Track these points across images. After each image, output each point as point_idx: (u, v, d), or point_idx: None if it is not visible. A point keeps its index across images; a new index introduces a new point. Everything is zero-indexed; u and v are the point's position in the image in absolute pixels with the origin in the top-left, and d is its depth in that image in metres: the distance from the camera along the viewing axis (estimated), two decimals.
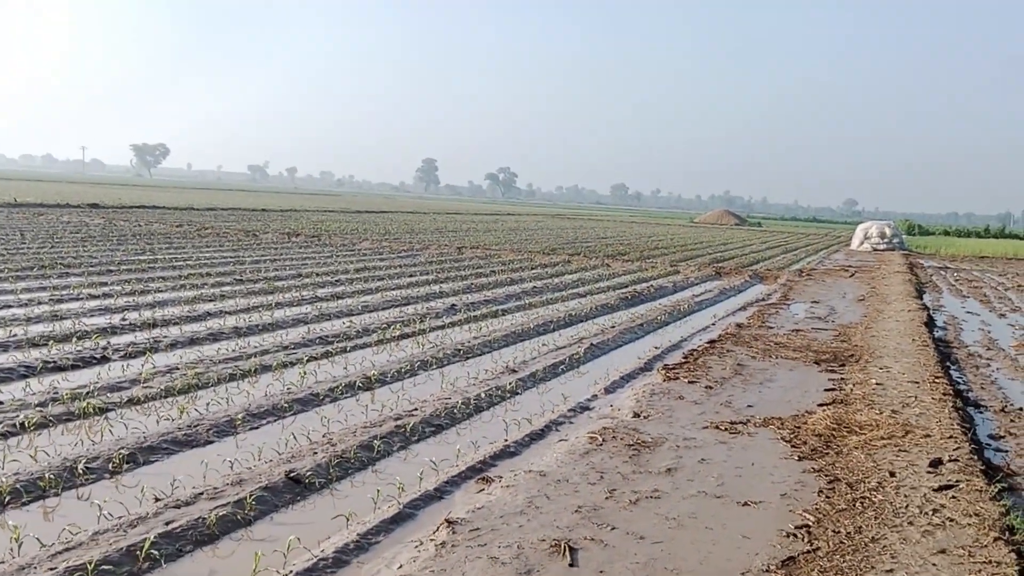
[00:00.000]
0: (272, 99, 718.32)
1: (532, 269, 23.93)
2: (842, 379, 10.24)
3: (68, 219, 32.84)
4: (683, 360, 10.88)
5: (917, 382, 9.94)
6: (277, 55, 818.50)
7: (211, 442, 6.84)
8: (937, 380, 10.01)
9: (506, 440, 7.10)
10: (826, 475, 6.44)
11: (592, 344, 11.94)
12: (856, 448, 7.00)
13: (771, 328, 14.55)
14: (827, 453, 6.90)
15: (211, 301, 14.13)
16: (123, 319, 11.79)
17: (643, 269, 26.27)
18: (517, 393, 9.06)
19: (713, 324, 15.19)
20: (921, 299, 21.13)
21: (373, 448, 6.71)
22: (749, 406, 8.65)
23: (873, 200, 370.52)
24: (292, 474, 5.91)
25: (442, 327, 13.12)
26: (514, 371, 9.94)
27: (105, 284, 15.24)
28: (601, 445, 6.82)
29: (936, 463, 6.55)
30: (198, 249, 23.68)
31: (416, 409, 7.78)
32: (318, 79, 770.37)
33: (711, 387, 9.39)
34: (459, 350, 10.98)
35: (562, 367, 10.48)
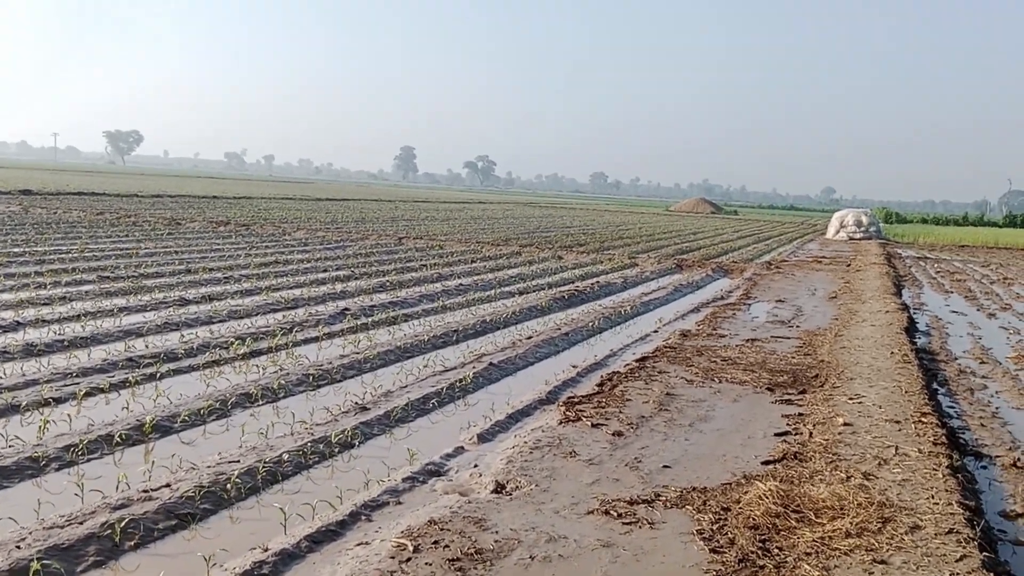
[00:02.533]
0: (250, 87, 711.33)
1: (473, 262, 21.48)
2: (800, 416, 7.81)
3: None
4: (597, 388, 8.42)
5: (898, 421, 7.52)
6: (255, 42, 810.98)
7: None
8: (924, 418, 7.59)
9: (265, 552, 4.58)
10: None
11: (491, 364, 9.47)
12: (807, 556, 4.56)
13: (722, 337, 12.11)
14: (761, 568, 4.44)
15: (45, 304, 11.57)
16: None
17: (598, 262, 23.85)
18: (352, 446, 6.57)
19: (656, 331, 12.75)
20: (900, 296, 18.79)
21: None
22: (665, 467, 6.20)
23: (851, 188, 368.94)
24: None
25: (315, 339, 10.63)
26: (365, 408, 7.45)
27: None
28: (408, 560, 4.33)
29: None
30: (95, 240, 21.06)
31: (162, 489, 5.25)
32: (297, 66, 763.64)
33: (621, 434, 6.93)
34: (311, 375, 8.48)
35: (436, 400, 8.00)
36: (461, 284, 16.53)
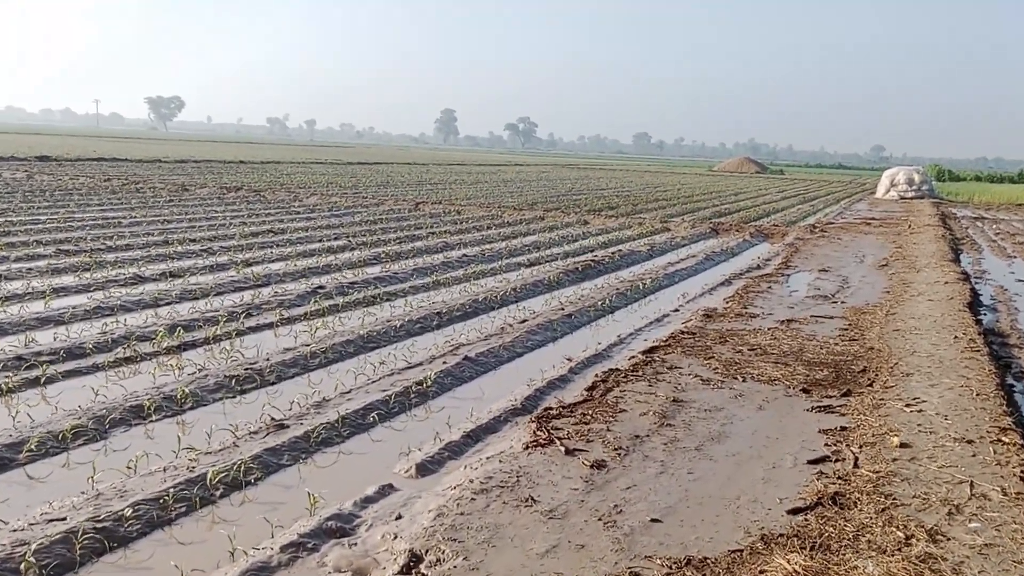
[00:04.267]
0: (292, 51, 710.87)
1: (489, 229, 19.82)
2: (843, 431, 6.07)
3: None
4: (585, 394, 6.73)
5: (971, 440, 5.76)
6: (296, 6, 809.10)
7: None
8: (1005, 435, 5.84)
9: None
10: None
11: (467, 358, 7.82)
12: None
13: (753, 317, 10.35)
14: None
15: None
16: None
17: (626, 227, 22.06)
18: (239, 487, 4.97)
19: (676, 310, 11.02)
20: (958, 262, 16.81)
21: None
22: (654, 520, 4.52)
23: (901, 146, 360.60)
24: None
25: (269, 326, 9.05)
26: (283, 426, 5.85)
27: None
28: None
29: None
30: (84, 208, 19.69)
31: None
32: (337, 30, 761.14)
33: (603, 465, 5.25)
34: (237, 377, 6.89)
35: (382, 411, 6.37)
36: (466, 255, 14.87)
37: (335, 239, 16.52)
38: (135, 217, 18.33)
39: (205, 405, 6.41)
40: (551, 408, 6.28)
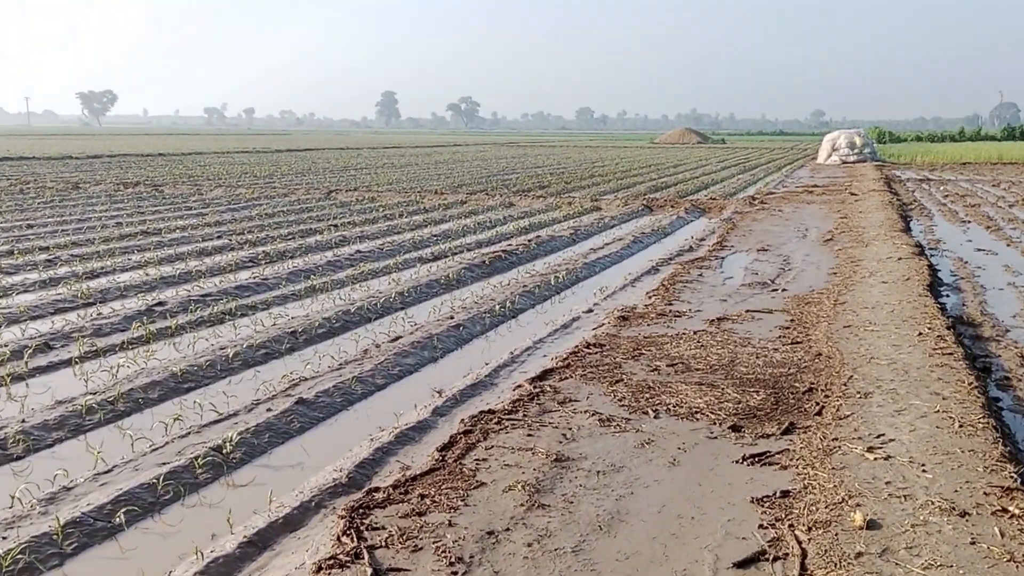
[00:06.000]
0: (229, 38, 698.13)
1: (401, 217, 17.99)
2: (785, 501, 4.33)
3: None
4: (436, 458, 4.90)
5: (964, 512, 4.05)
6: None
7: None
8: (1012, 499, 4.10)
9: None
10: None
11: (299, 402, 5.98)
12: None
13: (679, 316, 8.61)
14: None
15: None
16: None
17: (554, 207, 20.32)
18: None
19: (590, 310, 9.27)
20: (910, 232, 15.28)
21: None
22: None
23: (841, 110, 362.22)
24: None
25: (72, 361, 7.10)
26: None
27: None
28: None
29: None
30: None
31: None
32: (274, 15, 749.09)
33: None
34: None
35: (146, 501, 4.56)
36: (359, 251, 12.98)
37: (217, 238, 14.56)
38: None
39: None
40: (377, 489, 4.44)
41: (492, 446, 5.03)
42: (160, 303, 9.15)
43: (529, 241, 13.92)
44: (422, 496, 4.34)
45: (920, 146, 63.60)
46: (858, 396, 5.88)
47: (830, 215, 18.49)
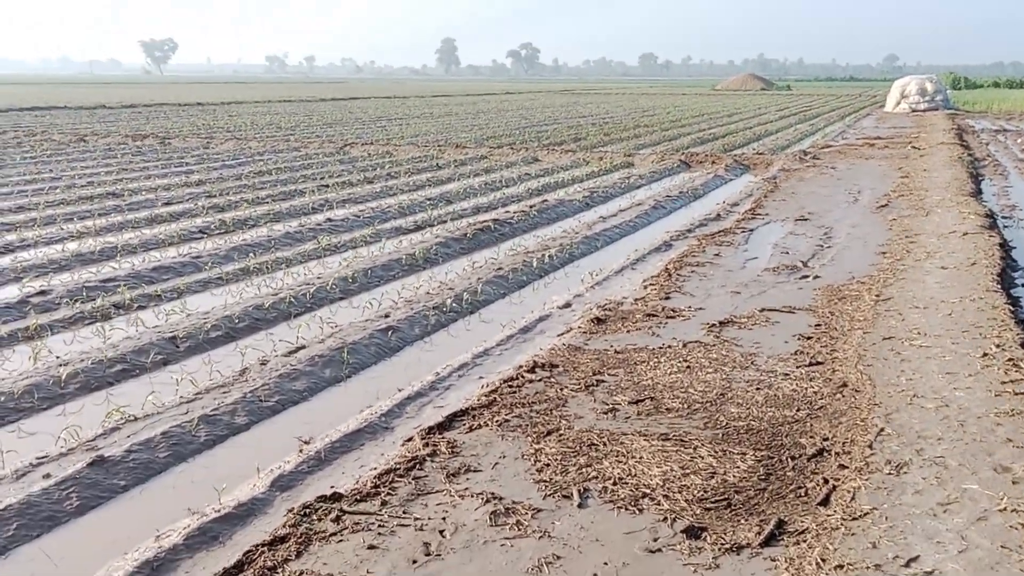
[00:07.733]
0: None
1: (409, 175, 16.26)
2: None
3: None
4: None
5: None
6: None
7: None
8: None
9: None
10: None
11: (94, 463, 4.28)
12: None
13: (673, 316, 6.74)
14: None
15: None
16: None
17: (582, 163, 18.39)
18: None
19: (568, 304, 7.47)
20: (980, 195, 13.08)
21: None
22: None
23: (914, 54, 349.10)
24: None
25: None
26: None
27: None
28: None
29: None
30: None
31: None
32: None
33: None
34: None
35: None
36: (329, 220, 11.24)
37: (185, 201, 12.94)
38: None
39: None
40: None
41: (301, 573, 3.24)
42: (43, 291, 7.51)
43: (530, 207, 12.04)
44: None
45: (997, 93, 59.90)
46: (887, 471, 3.99)
47: (889, 173, 16.26)
